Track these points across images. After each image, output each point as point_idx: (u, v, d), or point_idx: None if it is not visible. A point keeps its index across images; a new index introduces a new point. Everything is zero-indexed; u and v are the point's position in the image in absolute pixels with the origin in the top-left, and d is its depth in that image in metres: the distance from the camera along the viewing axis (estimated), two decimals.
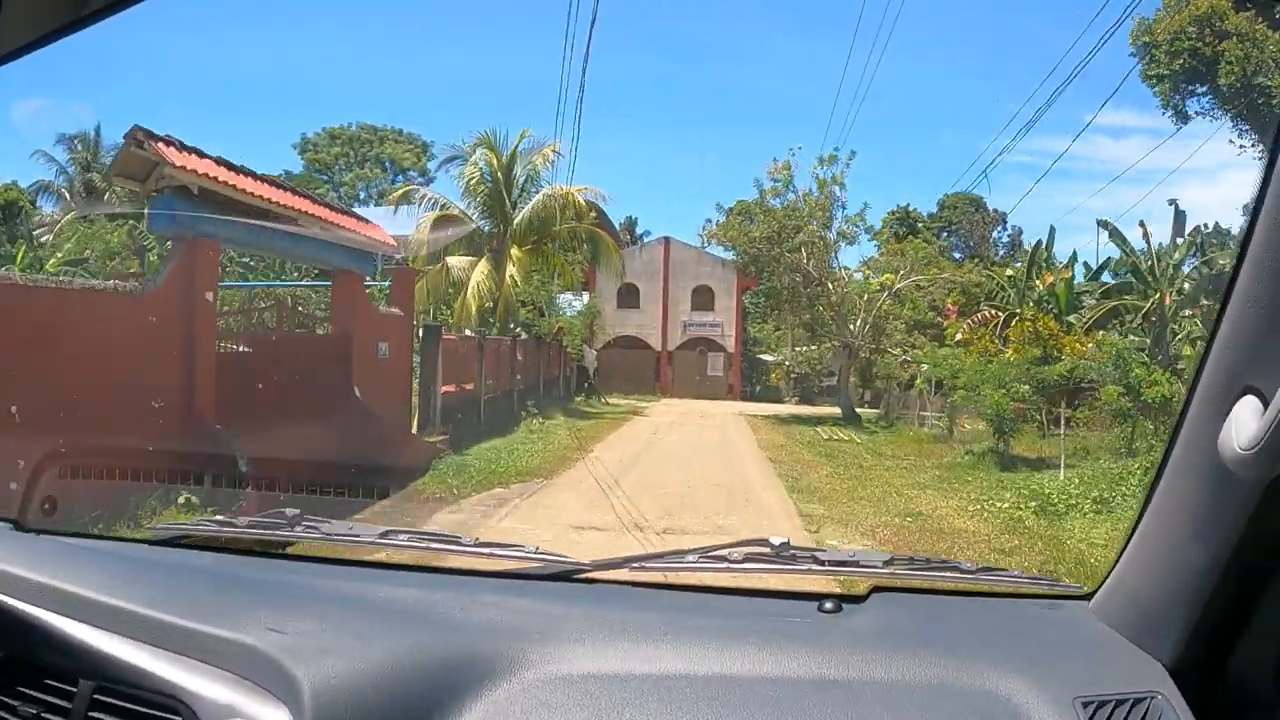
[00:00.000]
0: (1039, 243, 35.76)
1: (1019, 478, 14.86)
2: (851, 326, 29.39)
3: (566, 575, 1.96)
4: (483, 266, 24.70)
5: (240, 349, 12.13)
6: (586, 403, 30.74)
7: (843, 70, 59.39)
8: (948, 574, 2.01)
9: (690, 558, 1.96)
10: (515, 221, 26.37)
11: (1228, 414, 1.29)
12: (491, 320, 26.22)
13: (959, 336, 34.01)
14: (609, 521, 9.62)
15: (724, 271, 42.40)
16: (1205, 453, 1.34)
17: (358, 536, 2.15)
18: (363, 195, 62.96)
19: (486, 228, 27.18)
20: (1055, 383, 18.25)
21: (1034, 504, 11.84)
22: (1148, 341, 31.64)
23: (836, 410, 34.56)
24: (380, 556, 2.16)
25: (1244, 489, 1.29)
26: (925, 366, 24.44)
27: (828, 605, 1.79)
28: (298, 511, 2.13)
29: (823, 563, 1.95)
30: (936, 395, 25.67)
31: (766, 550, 1.95)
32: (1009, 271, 36.35)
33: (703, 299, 43.29)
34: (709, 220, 29.67)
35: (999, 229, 65.24)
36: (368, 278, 14.50)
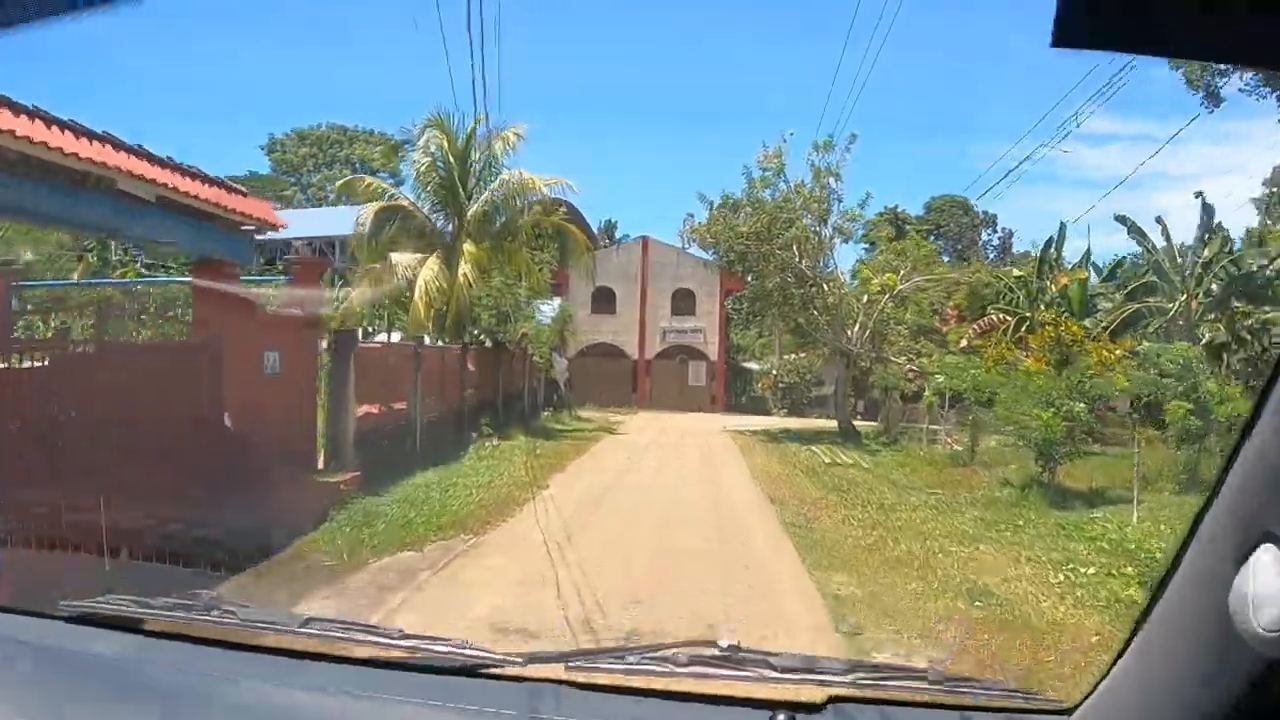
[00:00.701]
0: (1050, 241, 32.91)
1: (1081, 520, 11.84)
2: (849, 332, 26.33)
3: (498, 673, 1.88)
4: (432, 264, 21.47)
5: (40, 363, 8.80)
6: (555, 419, 27.53)
7: (834, 74, 56.58)
8: (913, 684, 1.89)
9: (631, 658, 1.87)
10: (470, 213, 23.20)
11: (1243, 560, 1.17)
12: (446, 326, 23.07)
13: (963, 343, 31.22)
14: (545, 621, 6.43)
15: (706, 274, 39.28)
16: (1214, 594, 1.23)
17: (276, 625, 2.01)
18: (331, 197, 60.05)
19: (439, 221, 24.01)
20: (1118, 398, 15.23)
21: (1131, 569, 8.73)
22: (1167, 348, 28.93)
23: (831, 423, 31.55)
24: (299, 645, 1.97)
25: (1259, 663, 1.19)
26: (939, 378, 21.35)
27: (780, 717, 1.68)
28: (215, 594, 2.11)
29: (776, 669, 1.82)
30: (951, 410, 22.68)
31: (714, 652, 1.84)
32: (1017, 272, 33.47)
33: (684, 303, 40.17)
34: (690, 215, 26.54)
35: (989, 231, 63.05)
36: (251, 270, 11.27)
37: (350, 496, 11.05)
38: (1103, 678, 1.61)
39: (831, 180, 25.12)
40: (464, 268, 21.22)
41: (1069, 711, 1.70)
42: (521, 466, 15.21)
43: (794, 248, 25.64)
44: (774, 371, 40.51)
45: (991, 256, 56.61)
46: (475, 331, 30.21)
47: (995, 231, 61.84)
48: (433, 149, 23.33)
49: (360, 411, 13.22)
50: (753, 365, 43.36)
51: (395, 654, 1.92)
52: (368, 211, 22.76)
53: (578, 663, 1.88)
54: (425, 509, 10.94)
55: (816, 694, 1.78)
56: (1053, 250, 32.90)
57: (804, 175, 25.12)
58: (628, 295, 39.98)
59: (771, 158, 24.98)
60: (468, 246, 21.93)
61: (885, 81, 63.93)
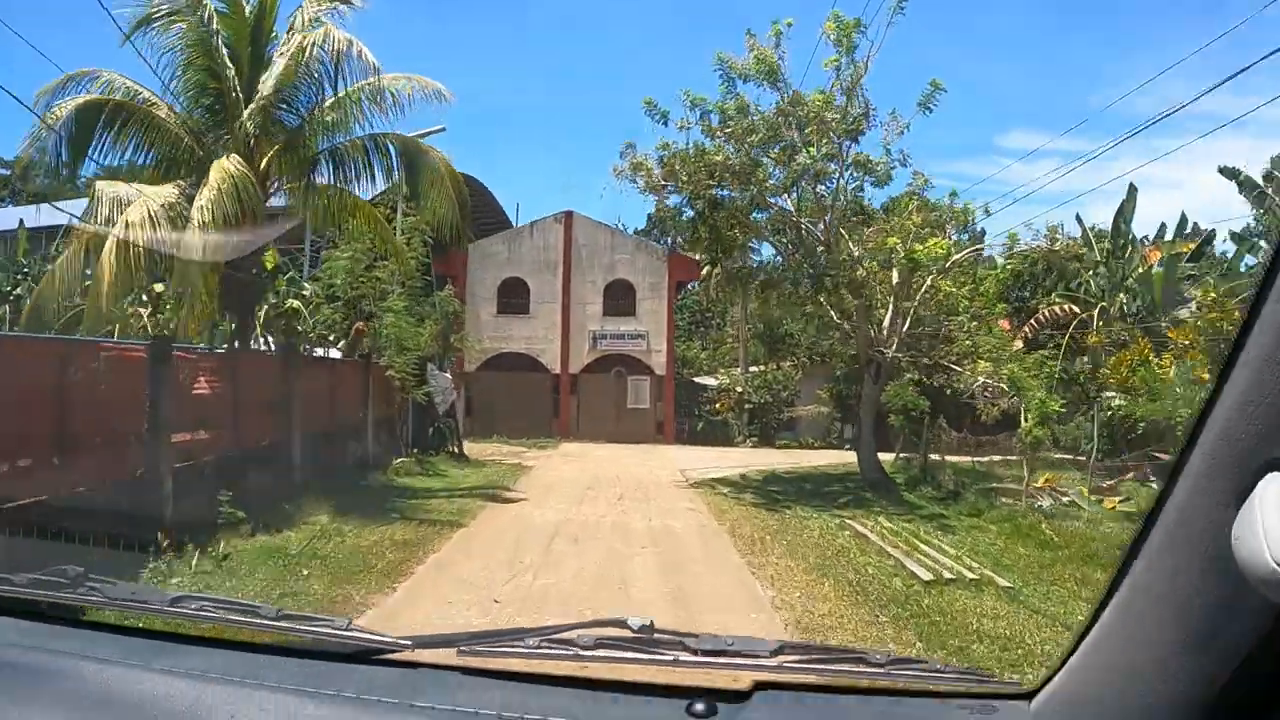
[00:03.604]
0: (1119, 209, 24.02)
1: None
2: (878, 326, 16.87)
3: (380, 657, 1.69)
4: (154, 200, 11.50)
5: None
6: (421, 467, 17.42)
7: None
8: (852, 668, 1.69)
9: (531, 641, 1.67)
10: (246, 114, 13.22)
11: (1245, 493, 1.02)
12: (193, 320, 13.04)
13: (1017, 344, 21.93)
14: None
15: (649, 260, 29.80)
16: (1208, 539, 1.09)
17: (145, 603, 1.89)
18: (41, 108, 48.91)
19: (210, 131, 13.95)
20: None
21: None
22: None
23: (833, 457, 22.27)
24: (166, 626, 1.85)
25: (1267, 609, 1.04)
26: (1120, 396, 12.05)
27: (699, 706, 1.49)
28: (82, 569, 1.87)
29: (695, 651, 1.62)
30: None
31: (625, 634, 1.66)
32: (1080, 249, 24.47)
33: (620, 299, 30.37)
34: (630, 145, 16.71)
35: (958, 231, 54.85)
36: None
37: None
38: (1065, 659, 1.44)
39: (840, 96, 15.66)
40: (205, 195, 11.19)
41: (1029, 695, 1.53)
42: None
43: (796, 192, 16.28)
44: (738, 388, 31.05)
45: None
46: (325, 336, 20.25)
47: (966, 229, 54.01)
48: (204, 17, 13.35)
49: None
50: (708, 381, 33.90)
51: (271, 637, 1.78)
52: (58, 111, 12.70)
53: (471, 646, 1.68)
54: None
55: (741, 679, 1.57)
56: (1123, 219, 24.05)
57: (818, 80, 15.75)
58: (546, 289, 30.08)
59: (759, 59, 15.39)
60: (224, 166, 11.93)
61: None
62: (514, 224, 33.69)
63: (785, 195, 16.37)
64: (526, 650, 1.65)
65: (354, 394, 16.38)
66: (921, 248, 16.11)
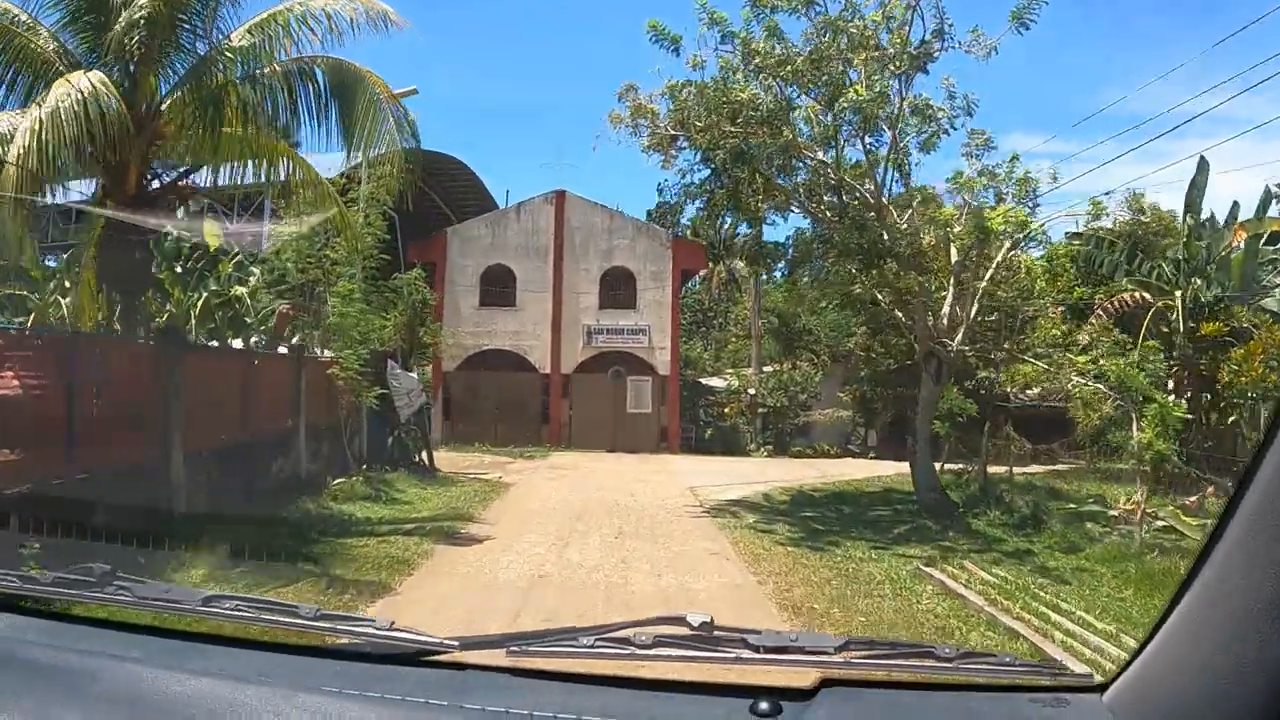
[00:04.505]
0: (1191, 184, 20.71)
1: None
2: (937, 314, 13.58)
3: (426, 658, 1.61)
4: None
5: None
6: (374, 483, 14.04)
7: None
8: (919, 662, 1.60)
9: (585, 640, 1.59)
10: (121, 22, 9.94)
11: None
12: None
13: (1083, 338, 18.58)
14: None
15: (651, 245, 26.53)
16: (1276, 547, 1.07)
17: (177, 603, 1.78)
18: None
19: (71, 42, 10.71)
20: None
21: None
22: None
23: (865, 468, 19.08)
24: (199, 626, 1.77)
25: None
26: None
27: (763, 705, 1.40)
28: (109, 568, 1.79)
29: (757, 649, 1.54)
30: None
31: (684, 631, 1.57)
32: (1171, 221, 21.12)
33: (619, 290, 27.01)
34: (632, 87, 13.40)
35: None
36: None
37: None
38: (1137, 653, 1.39)
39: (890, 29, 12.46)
40: (35, 117, 7.95)
41: (1100, 689, 1.45)
42: None
43: (834, 147, 13.00)
44: (750, 390, 27.78)
45: None
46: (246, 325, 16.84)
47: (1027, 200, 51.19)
48: None
49: None
50: (715, 382, 30.66)
51: (309, 638, 1.69)
52: None
53: (521, 646, 1.60)
54: None
55: (805, 676, 1.50)
56: (1197, 191, 20.72)
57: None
58: (535, 278, 26.74)
59: None
60: (73, 80, 8.68)
61: None
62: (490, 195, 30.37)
63: (823, 149, 13.14)
64: (580, 650, 1.57)
65: (281, 396, 13.06)
66: (994, 214, 12.88)
